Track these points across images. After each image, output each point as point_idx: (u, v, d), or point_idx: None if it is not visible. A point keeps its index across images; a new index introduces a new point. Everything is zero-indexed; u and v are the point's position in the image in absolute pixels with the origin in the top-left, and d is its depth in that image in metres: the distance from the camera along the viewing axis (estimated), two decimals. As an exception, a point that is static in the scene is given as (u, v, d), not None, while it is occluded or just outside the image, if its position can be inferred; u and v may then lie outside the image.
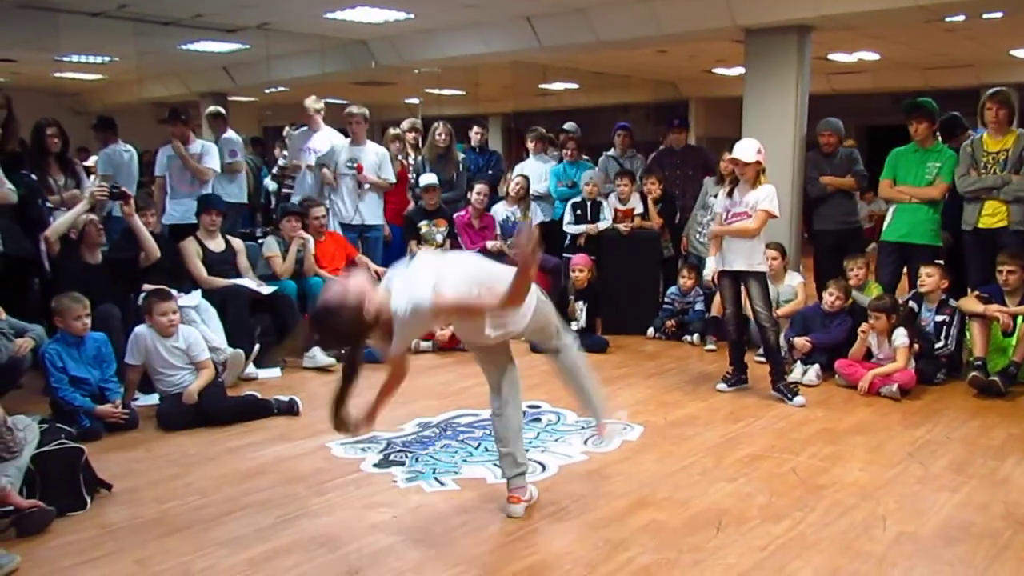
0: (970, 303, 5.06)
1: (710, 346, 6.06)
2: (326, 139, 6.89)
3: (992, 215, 5.10)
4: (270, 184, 8.80)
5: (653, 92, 13.34)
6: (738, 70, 9.10)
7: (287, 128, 9.02)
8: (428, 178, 6.80)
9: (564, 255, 6.66)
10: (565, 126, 7.99)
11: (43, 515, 3.07)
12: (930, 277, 5.18)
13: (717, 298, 5.69)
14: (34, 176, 5.29)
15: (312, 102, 6.91)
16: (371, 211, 6.65)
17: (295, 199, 6.85)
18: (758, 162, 4.65)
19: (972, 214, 5.19)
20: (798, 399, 4.70)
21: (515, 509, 3.22)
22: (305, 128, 7.05)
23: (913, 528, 3.12)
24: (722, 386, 4.97)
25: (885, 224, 5.72)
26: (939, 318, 5.19)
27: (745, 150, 4.67)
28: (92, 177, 6.30)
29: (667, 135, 7.50)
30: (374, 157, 6.64)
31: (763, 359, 5.03)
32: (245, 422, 4.35)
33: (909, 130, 5.51)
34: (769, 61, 6.59)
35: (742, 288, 4.84)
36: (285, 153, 8.30)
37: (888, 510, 3.27)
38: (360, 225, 6.61)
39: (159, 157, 6.60)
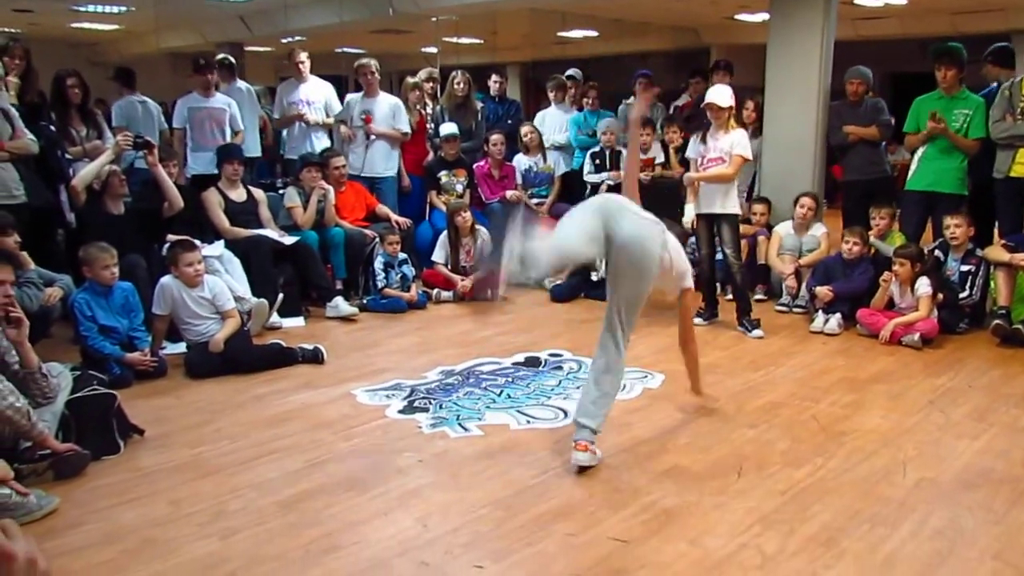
0: (995, 252, 5.01)
1: (731, 296, 6.03)
2: (314, 89, 6.89)
3: None
4: (289, 135, 8.76)
5: (673, 40, 13.08)
6: (762, 16, 8.91)
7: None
8: (448, 128, 6.75)
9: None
10: (568, 72, 7.81)
11: (79, 458, 3.16)
12: (959, 227, 5.12)
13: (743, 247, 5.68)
14: (53, 127, 5.30)
15: (296, 54, 6.87)
16: (382, 162, 6.63)
17: (291, 151, 6.84)
18: (732, 107, 4.83)
19: (1005, 162, 5.07)
20: (756, 332, 5.05)
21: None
22: (291, 79, 6.99)
23: (933, 474, 3.14)
24: (698, 320, 5.06)
25: (910, 173, 5.64)
26: (965, 268, 5.14)
27: (722, 95, 4.83)
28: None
29: (711, 78, 7.09)
30: (387, 108, 6.61)
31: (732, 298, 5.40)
32: (271, 370, 4.42)
33: (936, 76, 5.40)
34: (795, 5, 6.43)
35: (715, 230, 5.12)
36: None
37: (908, 456, 3.30)
38: (371, 177, 6.61)
39: (178, 108, 6.50)
